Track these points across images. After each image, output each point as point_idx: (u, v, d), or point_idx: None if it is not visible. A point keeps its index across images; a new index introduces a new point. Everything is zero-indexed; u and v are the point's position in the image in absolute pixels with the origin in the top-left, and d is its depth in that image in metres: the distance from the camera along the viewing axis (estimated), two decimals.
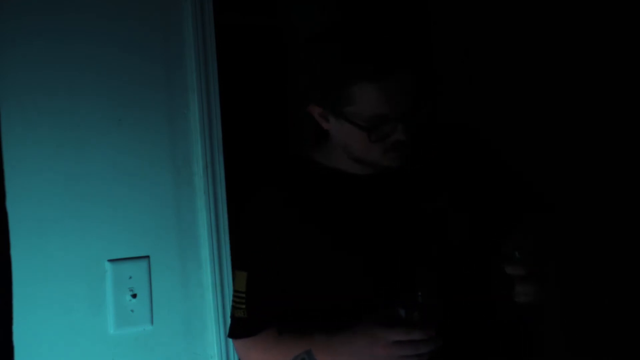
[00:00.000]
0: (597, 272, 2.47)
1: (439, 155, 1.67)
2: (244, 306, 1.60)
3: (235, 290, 1.63)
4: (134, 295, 1.54)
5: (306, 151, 1.72)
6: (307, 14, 2.75)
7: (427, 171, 1.65)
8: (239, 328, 1.61)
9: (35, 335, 1.48)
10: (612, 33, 2.39)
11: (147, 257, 1.56)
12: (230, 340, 1.57)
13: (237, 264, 1.65)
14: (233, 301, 1.63)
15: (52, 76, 1.50)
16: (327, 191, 1.63)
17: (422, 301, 1.46)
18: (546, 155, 2.52)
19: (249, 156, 2.68)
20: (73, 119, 1.51)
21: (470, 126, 1.72)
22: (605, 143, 2.47)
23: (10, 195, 1.46)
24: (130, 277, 1.54)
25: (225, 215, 1.60)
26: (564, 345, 2.58)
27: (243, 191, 1.75)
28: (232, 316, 1.63)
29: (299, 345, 1.54)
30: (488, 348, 1.66)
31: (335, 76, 1.50)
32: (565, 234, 1.73)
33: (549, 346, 2.62)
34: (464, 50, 2.69)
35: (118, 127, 1.55)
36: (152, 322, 1.56)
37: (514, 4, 2.60)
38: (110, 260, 1.53)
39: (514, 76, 2.64)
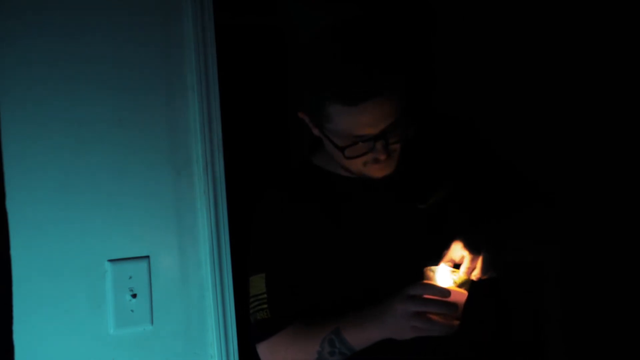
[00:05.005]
0: (596, 271, 2.47)
1: (435, 149, 1.68)
2: (265, 306, 1.60)
3: (253, 296, 1.63)
4: (134, 295, 1.54)
5: (306, 154, 1.74)
6: (304, 16, 2.75)
7: (424, 168, 1.66)
8: (264, 329, 1.61)
9: (35, 335, 1.48)
10: (609, 30, 2.39)
11: (147, 257, 1.56)
12: (230, 339, 1.58)
13: (253, 269, 1.65)
14: (252, 308, 1.63)
15: (52, 76, 1.50)
16: (327, 193, 1.65)
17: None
18: (545, 151, 2.52)
19: (249, 156, 2.68)
20: (73, 118, 1.51)
21: (461, 119, 1.72)
22: (604, 142, 2.47)
23: (10, 195, 1.46)
24: (130, 277, 1.54)
25: (226, 215, 1.60)
26: (564, 349, 2.58)
27: (244, 194, 1.76)
28: (255, 321, 1.62)
29: (327, 328, 1.54)
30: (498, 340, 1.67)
31: (314, 95, 1.50)
32: (565, 228, 1.73)
33: (550, 349, 2.61)
34: (461, 48, 2.69)
35: (118, 127, 1.55)
36: (152, 322, 1.56)
37: (513, 2, 2.61)
38: (110, 260, 1.53)
39: (513, 74, 2.64)
